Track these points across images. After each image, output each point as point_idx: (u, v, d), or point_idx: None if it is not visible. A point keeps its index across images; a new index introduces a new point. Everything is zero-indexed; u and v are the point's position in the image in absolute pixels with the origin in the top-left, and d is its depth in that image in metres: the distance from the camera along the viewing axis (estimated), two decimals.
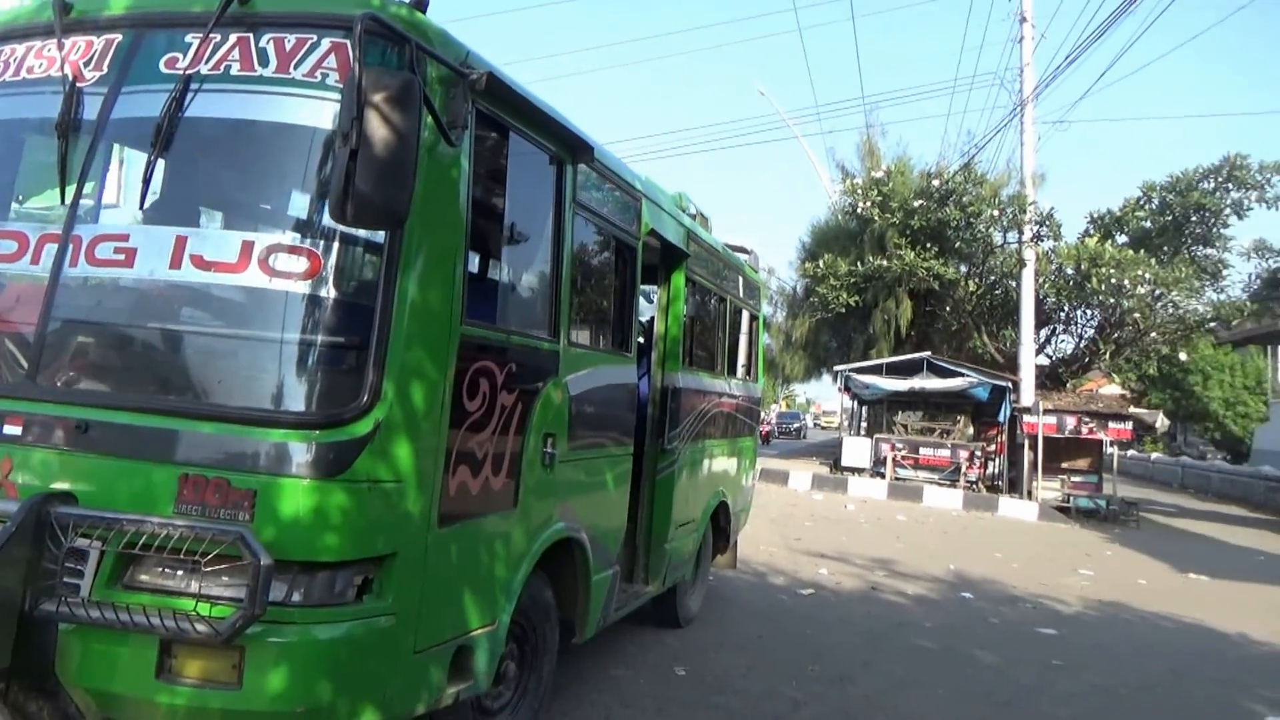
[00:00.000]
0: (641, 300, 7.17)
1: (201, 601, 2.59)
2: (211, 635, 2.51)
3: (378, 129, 2.61)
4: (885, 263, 22.41)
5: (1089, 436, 18.59)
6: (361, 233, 2.97)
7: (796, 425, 52.57)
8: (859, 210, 23.76)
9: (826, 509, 15.92)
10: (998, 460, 20.65)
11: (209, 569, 2.57)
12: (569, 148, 4.02)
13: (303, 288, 2.90)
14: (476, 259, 4.90)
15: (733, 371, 7.42)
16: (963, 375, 20.34)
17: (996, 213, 21.09)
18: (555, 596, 4.17)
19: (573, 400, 4.07)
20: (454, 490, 3.16)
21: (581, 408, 4.18)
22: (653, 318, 6.08)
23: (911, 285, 23.02)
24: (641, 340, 6.11)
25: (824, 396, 68.73)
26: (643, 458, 5.56)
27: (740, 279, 7.51)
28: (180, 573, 2.71)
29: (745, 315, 7.77)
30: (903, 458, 20.44)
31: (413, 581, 2.97)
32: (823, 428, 65.81)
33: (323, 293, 2.91)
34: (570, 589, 4.30)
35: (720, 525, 7.05)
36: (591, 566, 4.33)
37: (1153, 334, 22.41)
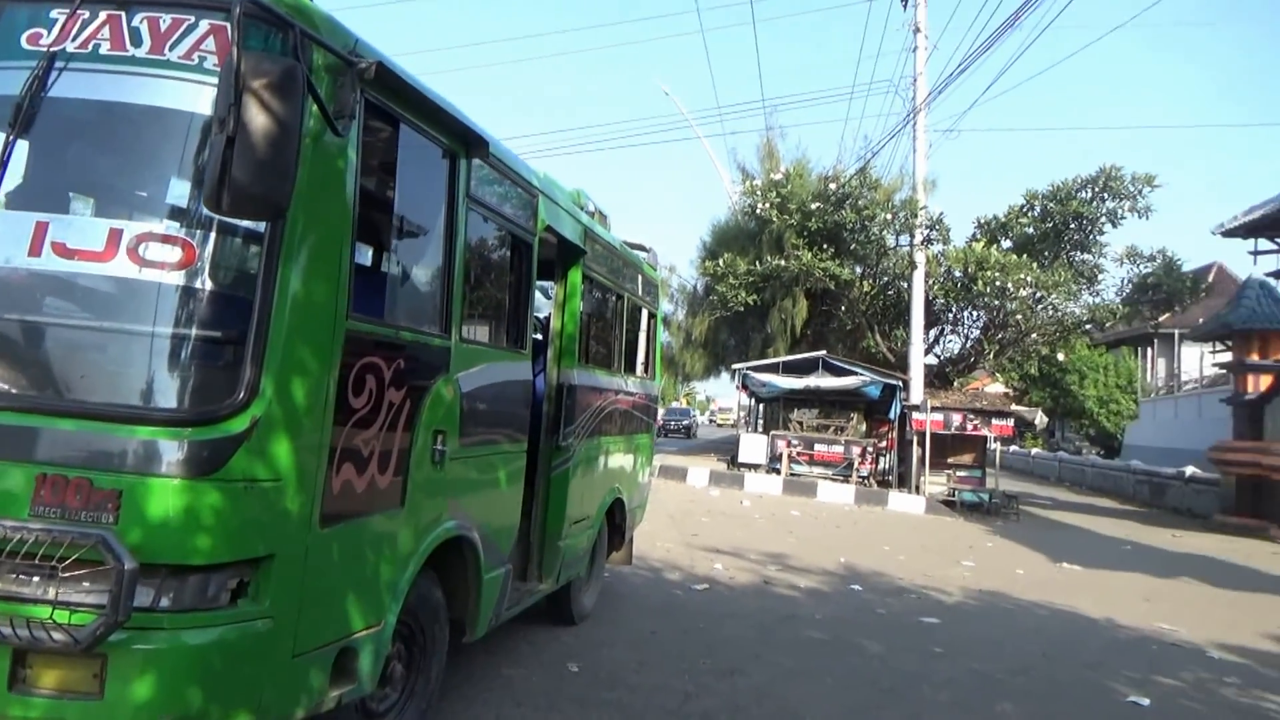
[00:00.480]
0: (539, 296, 7.18)
1: (59, 609, 2.46)
2: (70, 644, 2.39)
3: (257, 116, 2.53)
4: (783, 263, 22.85)
5: (974, 433, 19.38)
6: (241, 223, 2.88)
7: (686, 422, 46.85)
8: (758, 211, 24.15)
9: (723, 505, 16.15)
10: (888, 456, 21.31)
11: (68, 574, 2.45)
12: (463, 141, 3.97)
13: (175, 279, 2.79)
14: (365, 253, 4.80)
15: (630, 369, 7.45)
16: (856, 374, 20.93)
17: (890, 216, 21.77)
18: (445, 596, 4.11)
19: (464, 397, 4.02)
20: (337, 489, 3.08)
21: (474, 405, 4.13)
22: (550, 314, 6.06)
23: (808, 285, 23.54)
24: (540, 337, 6.10)
25: (723, 394, 68.85)
26: (537, 455, 5.54)
27: (639, 277, 7.54)
28: (36, 579, 2.56)
29: (643, 313, 7.80)
30: (798, 454, 20.89)
31: (292, 583, 2.89)
32: (718, 425, 64.87)
33: (197, 284, 2.81)
34: (461, 588, 4.25)
35: (616, 522, 7.08)
36: (483, 565, 4.29)
37: (1033, 335, 23.48)
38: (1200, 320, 26.42)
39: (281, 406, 2.80)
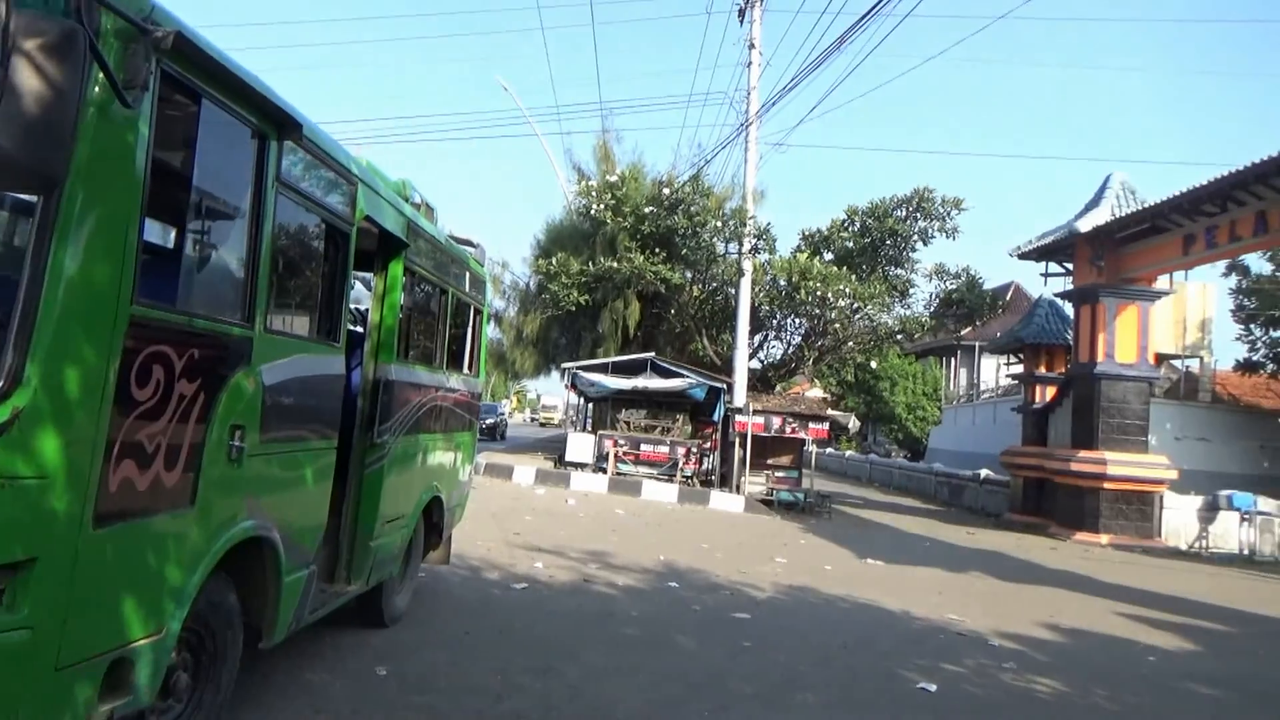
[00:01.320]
0: (363, 289, 6.94)
1: None
2: None
3: (28, 80, 2.33)
4: (616, 264, 23.09)
5: (792, 435, 20.23)
6: (8, 195, 2.63)
7: (490, 421, 36.99)
8: (593, 212, 24.32)
9: (548, 503, 16.15)
10: (711, 456, 21.92)
11: None
12: (274, 123, 3.78)
13: None
14: (159, 235, 4.50)
15: (453, 365, 7.32)
16: (683, 376, 21.40)
17: (720, 224, 22.39)
18: (242, 599, 3.90)
19: (268, 390, 3.83)
20: (115, 487, 2.86)
21: (278, 398, 3.95)
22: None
23: (640, 288, 23.89)
24: (362, 330, 5.90)
25: (552, 392, 65.81)
26: (351, 451, 5.36)
27: (465, 273, 7.43)
28: None
29: (469, 309, 7.69)
30: (624, 453, 21.16)
31: (57, 590, 2.65)
32: (541, 424, 61.62)
33: None
34: (259, 591, 4.05)
35: (434, 520, 6.94)
36: (284, 567, 4.10)
37: (850, 343, 24.78)
38: (998, 334, 28.64)
39: (50, 397, 2.57)
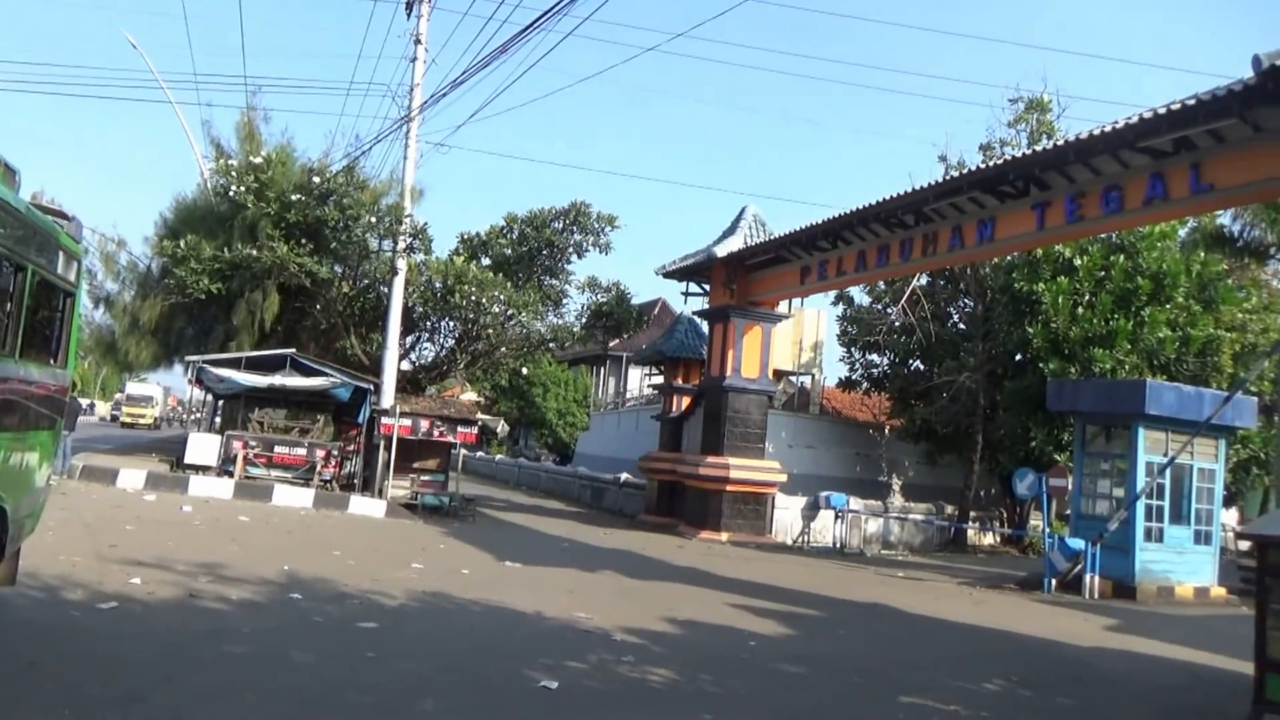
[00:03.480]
0: None
1: None
2: None
3: None
4: (255, 253, 21.39)
5: (440, 439, 19.98)
6: None
7: None
8: (232, 193, 22.36)
9: (158, 511, 14.51)
10: (354, 460, 21.03)
11: None
12: None
13: None
14: None
15: (32, 354, 6.29)
16: (326, 375, 20.31)
17: (374, 219, 21.62)
18: None
19: None
20: None
21: None
22: None
23: (282, 279, 22.32)
24: None
25: (168, 383, 52.73)
26: None
27: (54, 249, 6.45)
28: None
29: (56, 290, 6.68)
30: (255, 456, 19.63)
31: None
32: (125, 424, 49.28)
33: None
34: None
35: None
36: None
37: (504, 348, 25.01)
38: (644, 346, 30.45)
39: None
